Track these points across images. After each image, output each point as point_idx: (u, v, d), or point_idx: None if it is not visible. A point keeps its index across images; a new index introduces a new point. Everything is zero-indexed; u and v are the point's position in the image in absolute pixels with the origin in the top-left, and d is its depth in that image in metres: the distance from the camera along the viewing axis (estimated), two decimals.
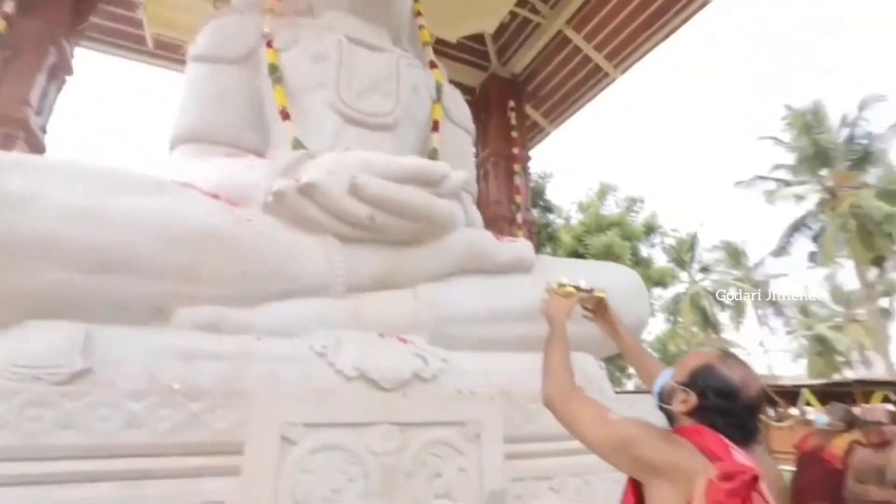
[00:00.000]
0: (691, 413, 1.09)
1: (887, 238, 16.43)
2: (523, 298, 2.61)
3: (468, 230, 2.81)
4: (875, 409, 3.02)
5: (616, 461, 1.08)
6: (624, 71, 6.86)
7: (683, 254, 25.10)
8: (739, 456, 0.99)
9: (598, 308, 1.51)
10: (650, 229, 16.51)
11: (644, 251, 16.07)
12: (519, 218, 6.93)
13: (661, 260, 19.65)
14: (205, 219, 2.23)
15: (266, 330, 2.22)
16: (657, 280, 16.25)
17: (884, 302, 20.81)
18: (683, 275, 25.63)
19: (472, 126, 4.34)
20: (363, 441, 1.99)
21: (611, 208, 16.58)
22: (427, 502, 2.04)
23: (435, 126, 3.70)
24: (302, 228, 2.46)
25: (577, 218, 16.26)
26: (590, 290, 1.45)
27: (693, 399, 1.09)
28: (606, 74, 7.00)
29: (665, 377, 1.19)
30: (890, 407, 3.36)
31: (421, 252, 2.60)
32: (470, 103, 4.58)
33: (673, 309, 25.13)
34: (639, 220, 16.36)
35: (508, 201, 7.09)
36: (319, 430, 1.96)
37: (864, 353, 26.24)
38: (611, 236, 13.83)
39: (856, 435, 3.31)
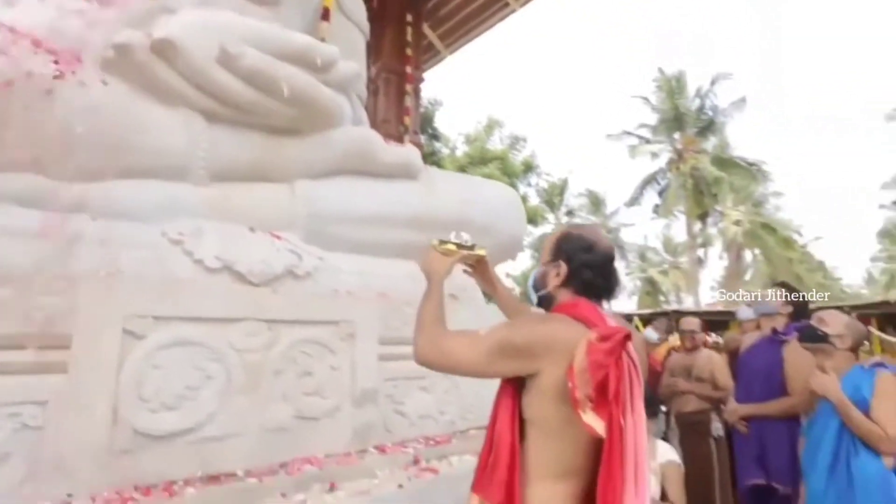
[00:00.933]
0: (566, 282, 1.15)
1: (713, 198, 19.45)
2: (407, 204, 2.54)
3: (354, 128, 2.60)
4: (690, 321, 3.61)
5: (499, 369, 1.09)
6: (524, 3, 6.77)
7: (554, 196, 27.07)
8: (612, 321, 1.06)
9: (478, 265, 1.47)
10: (529, 168, 17.37)
11: (521, 189, 16.95)
12: (406, 140, 6.73)
13: (534, 199, 20.99)
14: (7, 64, 1.72)
15: (103, 210, 1.86)
16: (530, 218, 17.35)
17: (700, 252, 24.88)
18: (552, 216, 27.79)
19: (366, 25, 3.95)
20: (225, 337, 1.83)
21: (495, 143, 17.02)
22: (296, 399, 1.97)
23: (325, 14, 3.29)
24: (155, 97, 2.05)
25: (462, 149, 16.43)
26: (471, 247, 1.40)
27: (564, 267, 1.15)
28: (507, 4, 6.85)
29: (535, 273, 1.25)
30: None
31: (301, 143, 2.36)
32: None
33: (539, 246, 27.34)
34: (519, 158, 17.09)
35: (397, 121, 6.81)
36: (172, 323, 1.74)
37: (679, 293, 31.38)
38: (492, 169, 14.28)
39: (673, 343, 4.01)
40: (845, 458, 1.91)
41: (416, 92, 7.23)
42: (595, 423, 0.93)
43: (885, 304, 8.39)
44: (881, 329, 8.74)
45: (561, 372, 0.98)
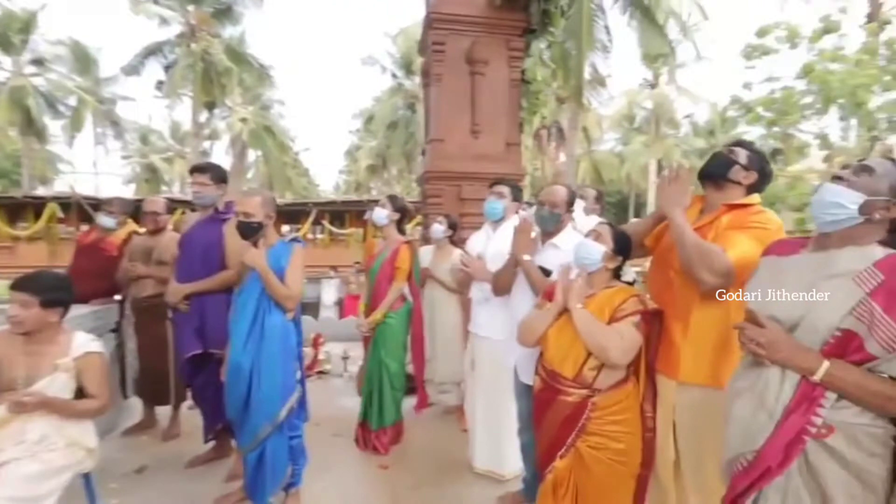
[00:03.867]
0: None
1: (222, 88, 19.11)
2: None
3: None
4: (155, 202, 3.28)
5: None
6: None
7: (12, 33, 19.56)
8: None
9: None
10: None
11: None
12: None
13: None
14: None
15: None
16: None
17: (207, 144, 24.54)
18: (7, 60, 20.16)
19: None
20: None
21: None
22: None
23: None
24: None
25: None
26: None
27: None
28: None
29: None
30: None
31: None
32: None
33: None
34: None
35: None
36: None
37: (184, 185, 30.24)
38: None
39: (133, 227, 3.62)
40: (262, 316, 2.24)
41: None
42: None
43: (332, 202, 10.85)
44: (331, 223, 11.51)
45: None
